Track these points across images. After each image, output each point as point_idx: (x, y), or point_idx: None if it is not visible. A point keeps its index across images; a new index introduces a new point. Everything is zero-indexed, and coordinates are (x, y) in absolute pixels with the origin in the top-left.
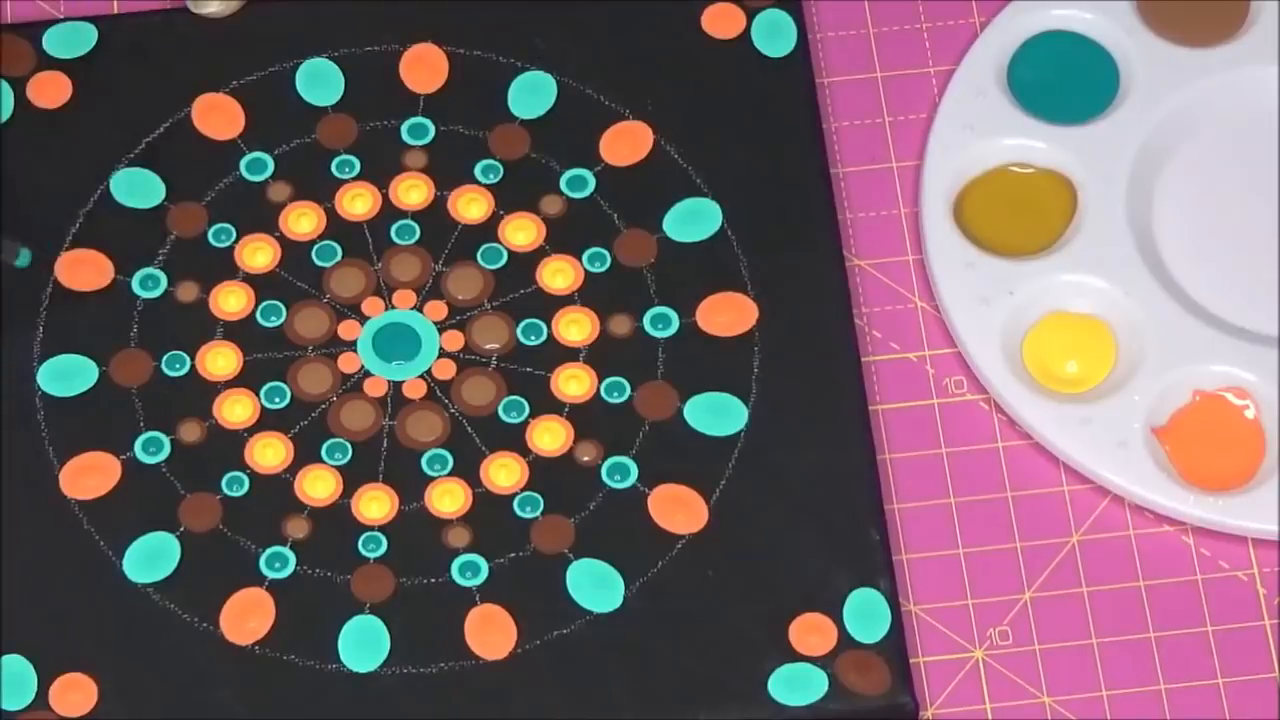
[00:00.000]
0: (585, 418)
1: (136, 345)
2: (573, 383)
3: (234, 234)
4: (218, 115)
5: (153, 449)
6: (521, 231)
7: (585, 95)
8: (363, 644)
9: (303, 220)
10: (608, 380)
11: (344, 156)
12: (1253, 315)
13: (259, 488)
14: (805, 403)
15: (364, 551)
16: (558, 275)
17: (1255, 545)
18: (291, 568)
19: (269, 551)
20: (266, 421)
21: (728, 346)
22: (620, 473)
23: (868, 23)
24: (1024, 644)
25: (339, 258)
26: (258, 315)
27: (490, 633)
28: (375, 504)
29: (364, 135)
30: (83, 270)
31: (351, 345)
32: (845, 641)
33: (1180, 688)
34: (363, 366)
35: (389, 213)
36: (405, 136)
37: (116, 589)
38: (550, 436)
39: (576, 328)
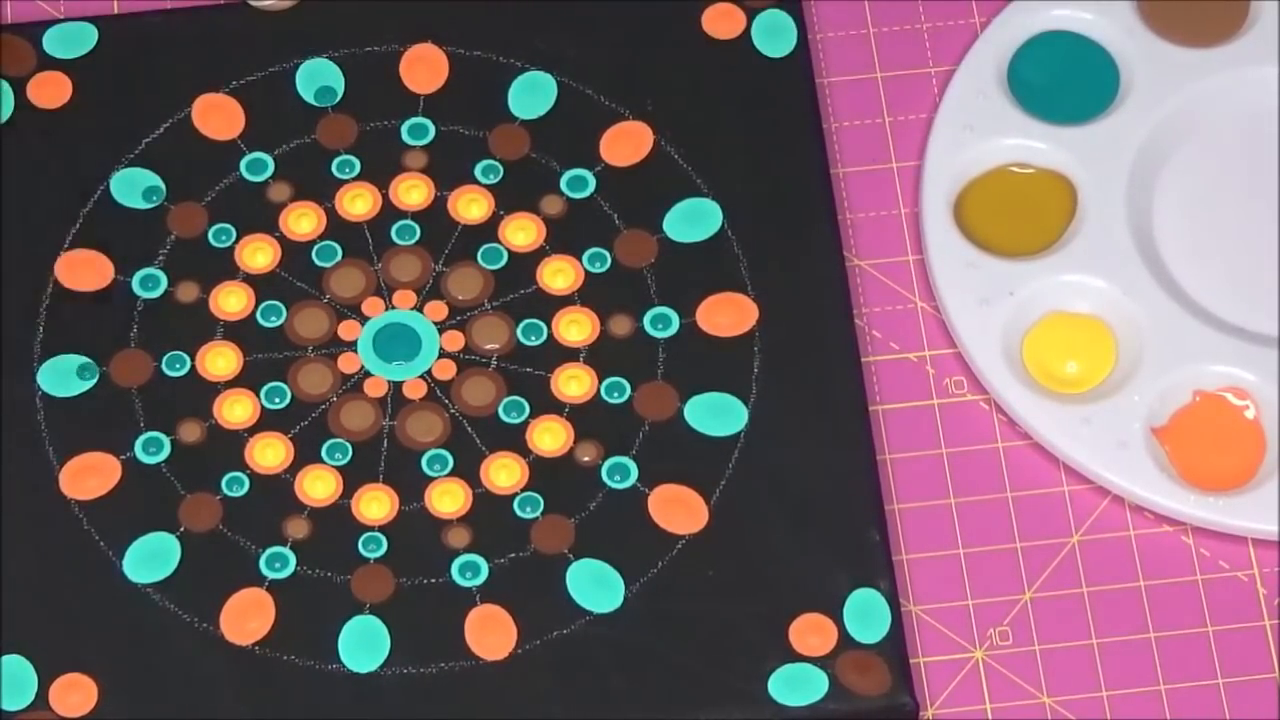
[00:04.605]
0: (585, 418)
1: (136, 345)
2: (573, 383)
3: (234, 234)
4: (218, 115)
5: (153, 449)
6: (522, 232)
7: (585, 95)
8: (363, 644)
9: (303, 220)
10: (608, 380)
11: (344, 157)
12: (1253, 315)
13: (259, 488)
14: (805, 403)
15: (364, 552)
16: (558, 275)
17: (1255, 545)
18: (291, 568)
19: (269, 551)
20: (266, 421)
21: (728, 346)
22: (620, 473)
23: (868, 23)
24: (1024, 644)
25: (339, 258)
26: (258, 315)
27: (490, 633)
28: (375, 504)
29: (364, 135)
30: (83, 270)
31: (352, 345)
32: (845, 642)
33: (1180, 688)
34: (363, 367)
35: (389, 213)
36: (405, 137)
37: (116, 589)
38: (550, 437)
39: (577, 328)
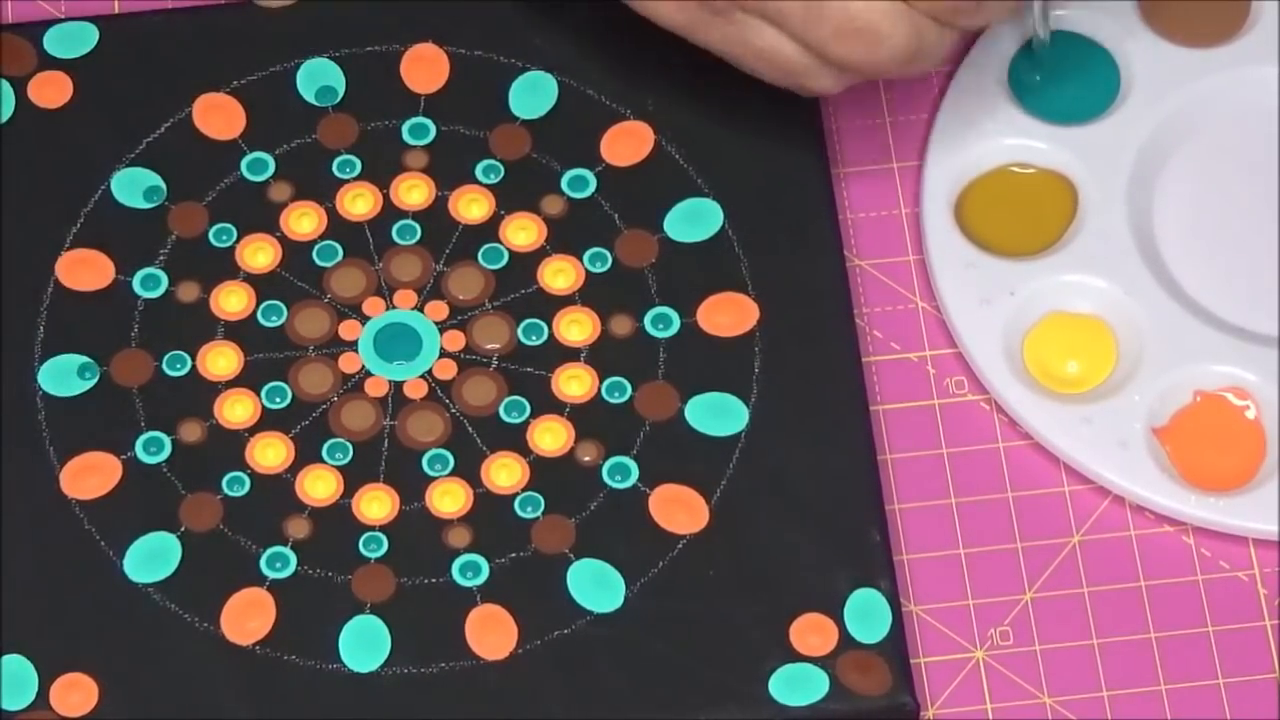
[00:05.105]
0: (586, 418)
1: (137, 345)
2: (573, 383)
3: (235, 234)
4: (218, 115)
5: (153, 449)
6: (522, 231)
7: (586, 95)
8: (363, 644)
9: (304, 220)
10: (608, 380)
11: (345, 156)
12: (1253, 315)
13: (259, 488)
14: (806, 403)
15: (364, 551)
16: (559, 275)
17: (1256, 545)
18: (292, 568)
19: (269, 551)
20: (267, 421)
21: (728, 346)
22: (621, 473)
23: None
24: (1025, 644)
25: (340, 258)
26: (258, 315)
27: (491, 633)
28: (376, 504)
29: (365, 135)
30: (83, 270)
31: (352, 345)
32: (846, 642)
33: (1181, 688)
34: (363, 366)
35: (390, 213)
36: (406, 136)
37: (117, 589)
38: (551, 436)
39: (577, 328)
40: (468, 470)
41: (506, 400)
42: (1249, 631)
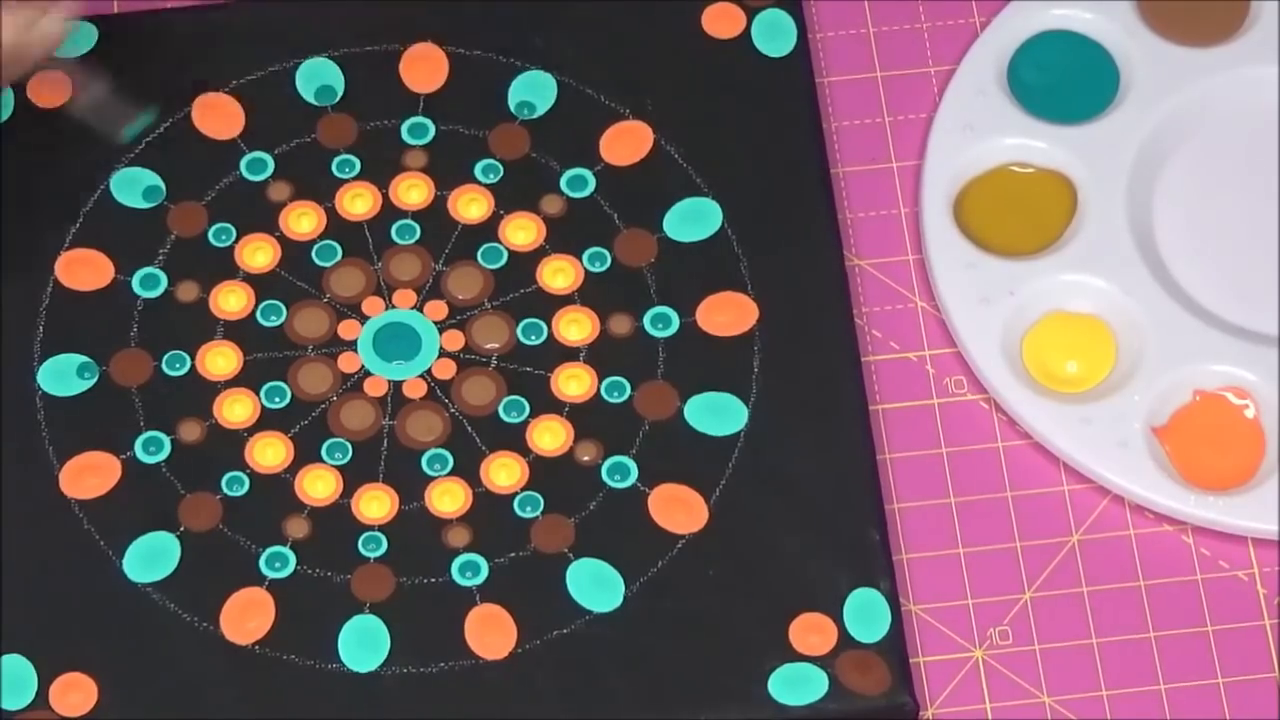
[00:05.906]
0: (585, 417)
1: (137, 345)
2: (573, 382)
3: (234, 234)
4: (218, 115)
5: (153, 449)
6: (522, 231)
7: (585, 95)
8: (363, 644)
9: (303, 220)
10: (608, 380)
11: (344, 156)
12: (1253, 315)
13: (259, 487)
14: (805, 403)
15: (364, 551)
16: (558, 275)
17: (1255, 545)
18: (291, 567)
19: (269, 551)
20: (266, 421)
21: (728, 346)
22: (620, 472)
23: (868, 23)
24: (1024, 644)
25: (339, 257)
26: (258, 315)
27: (490, 633)
28: (375, 504)
29: (364, 135)
30: (83, 270)
31: (352, 345)
32: (845, 641)
33: (1180, 688)
34: (363, 366)
35: (389, 212)
36: (405, 136)
37: (116, 589)
38: (550, 436)
39: (577, 327)
40: (467, 470)
41: (506, 400)
42: (1248, 631)
